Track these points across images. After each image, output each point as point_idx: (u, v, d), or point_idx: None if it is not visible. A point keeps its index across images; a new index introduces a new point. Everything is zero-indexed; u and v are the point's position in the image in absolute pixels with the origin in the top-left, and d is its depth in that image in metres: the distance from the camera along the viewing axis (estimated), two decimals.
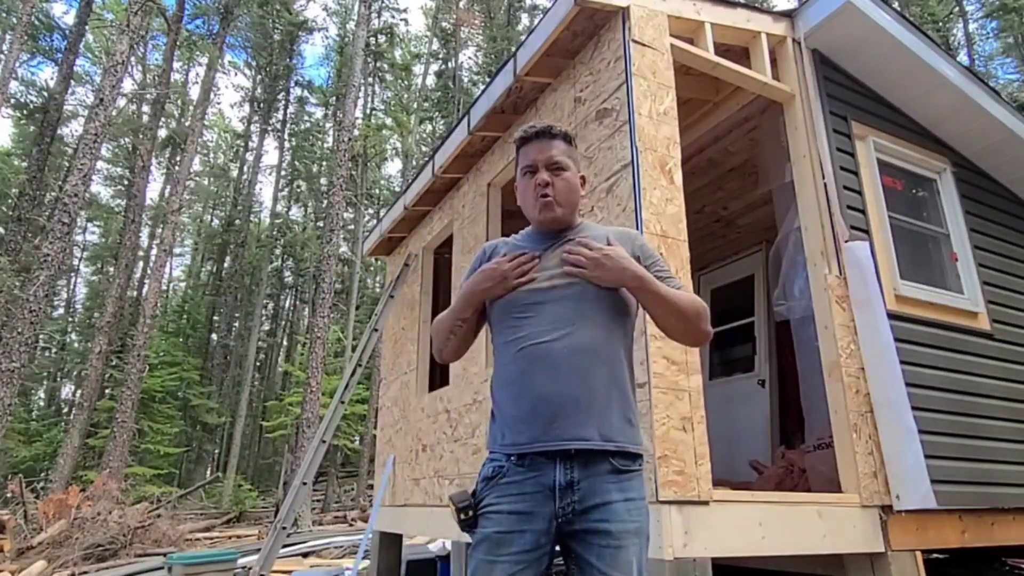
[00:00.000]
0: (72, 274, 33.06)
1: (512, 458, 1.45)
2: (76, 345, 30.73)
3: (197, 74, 27.97)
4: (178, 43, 20.80)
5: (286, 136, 30.42)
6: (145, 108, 23.38)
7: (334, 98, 29.12)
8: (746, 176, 5.10)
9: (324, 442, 5.23)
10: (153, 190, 28.99)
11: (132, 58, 18.29)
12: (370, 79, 28.87)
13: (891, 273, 3.66)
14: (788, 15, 3.96)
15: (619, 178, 2.99)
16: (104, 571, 7.84)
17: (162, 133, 23.11)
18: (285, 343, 34.89)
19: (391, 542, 5.74)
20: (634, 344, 2.57)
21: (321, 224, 25.73)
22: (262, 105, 29.78)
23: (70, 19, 25.07)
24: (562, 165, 1.60)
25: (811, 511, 2.89)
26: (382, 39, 27.29)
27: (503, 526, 1.41)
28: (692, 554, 2.42)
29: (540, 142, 1.62)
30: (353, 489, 22.49)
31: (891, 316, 3.40)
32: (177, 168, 22.44)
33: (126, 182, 25.31)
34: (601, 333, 1.50)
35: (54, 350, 30.76)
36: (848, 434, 3.16)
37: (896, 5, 20.57)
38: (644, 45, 3.12)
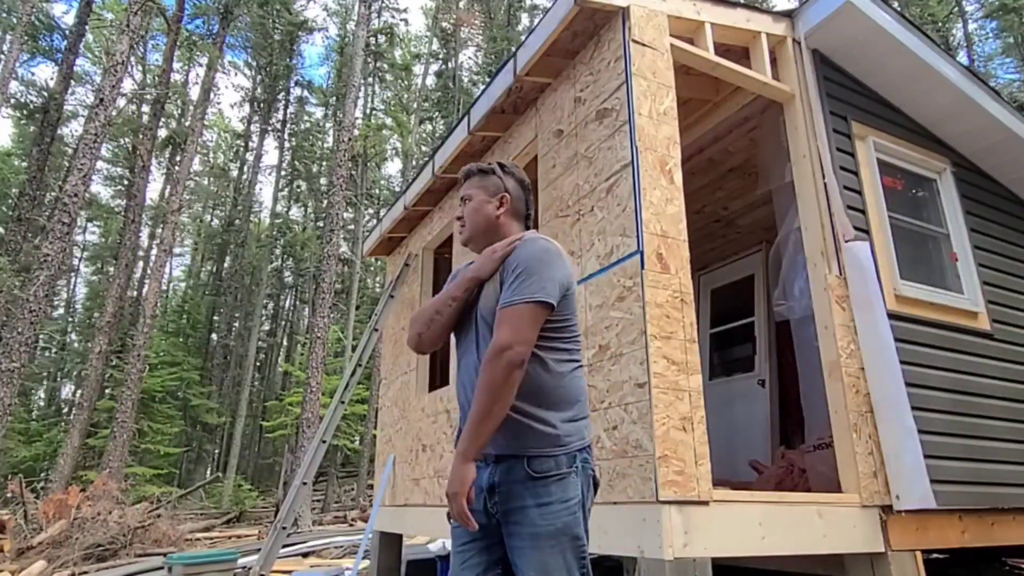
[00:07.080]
0: (72, 274, 33.07)
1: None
2: (76, 345, 30.76)
3: (197, 74, 27.94)
4: (178, 43, 20.79)
5: (286, 136, 30.44)
6: (145, 108, 23.35)
7: (334, 98, 29.16)
8: (746, 176, 5.10)
9: (324, 442, 5.24)
10: (153, 190, 28.98)
11: (132, 58, 18.28)
12: (370, 79, 28.88)
13: (891, 273, 3.66)
14: (788, 15, 3.96)
15: (619, 178, 2.99)
16: (104, 571, 7.84)
17: (162, 133, 23.09)
18: (285, 343, 34.91)
19: (391, 542, 5.73)
20: (638, 341, 2.52)
21: (321, 224, 25.74)
22: (262, 105, 29.78)
23: (70, 19, 25.12)
24: (466, 197, 1.87)
25: (811, 511, 2.89)
26: (382, 39, 27.29)
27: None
28: (692, 554, 2.42)
29: (459, 186, 1.95)
30: (353, 489, 22.50)
31: (891, 316, 3.40)
32: (177, 168, 22.44)
33: (126, 182, 25.30)
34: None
35: (54, 350, 30.79)
36: (848, 434, 3.16)
37: (896, 5, 20.56)
38: (644, 45, 3.12)
